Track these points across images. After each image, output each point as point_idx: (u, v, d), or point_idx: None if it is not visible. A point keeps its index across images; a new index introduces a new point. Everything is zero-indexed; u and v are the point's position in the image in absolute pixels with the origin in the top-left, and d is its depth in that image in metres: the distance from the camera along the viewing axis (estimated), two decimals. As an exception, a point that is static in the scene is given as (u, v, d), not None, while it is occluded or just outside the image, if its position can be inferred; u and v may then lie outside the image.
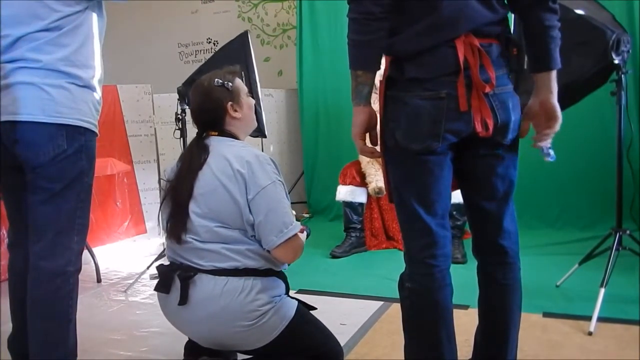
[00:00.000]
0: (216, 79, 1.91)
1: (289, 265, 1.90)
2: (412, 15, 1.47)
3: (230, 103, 1.91)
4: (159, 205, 1.90)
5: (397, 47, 1.50)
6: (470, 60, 1.46)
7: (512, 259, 1.65)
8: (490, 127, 1.48)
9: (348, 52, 1.52)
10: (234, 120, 1.92)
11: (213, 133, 1.91)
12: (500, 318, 1.66)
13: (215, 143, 1.88)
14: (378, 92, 1.59)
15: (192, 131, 3.42)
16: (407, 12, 1.47)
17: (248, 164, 1.79)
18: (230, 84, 1.92)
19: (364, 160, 3.71)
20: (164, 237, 1.95)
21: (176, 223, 1.82)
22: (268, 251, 1.81)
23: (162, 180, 1.92)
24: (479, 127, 1.47)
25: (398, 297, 1.62)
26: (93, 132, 1.91)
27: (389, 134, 1.55)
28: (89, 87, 1.89)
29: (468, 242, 2.85)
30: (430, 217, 1.54)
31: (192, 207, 1.81)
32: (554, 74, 1.56)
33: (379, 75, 1.58)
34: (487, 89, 1.47)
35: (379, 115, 1.59)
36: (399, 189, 1.58)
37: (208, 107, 1.90)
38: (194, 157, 1.85)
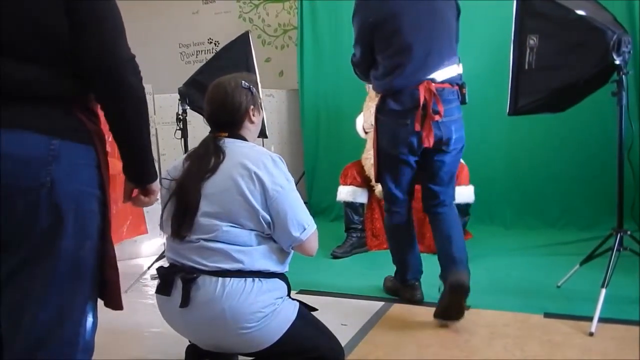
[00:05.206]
0: (243, 81, 1.92)
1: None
2: (391, 68, 2.49)
3: (252, 107, 1.91)
4: (159, 206, 1.89)
5: (388, 86, 2.52)
6: (428, 99, 2.42)
7: (442, 198, 2.61)
8: (431, 143, 2.44)
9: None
10: (250, 124, 1.93)
11: (223, 134, 1.89)
12: (444, 232, 2.57)
13: (229, 144, 1.86)
14: (374, 115, 2.64)
15: (192, 132, 3.45)
16: (389, 65, 2.50)
17: (264, 164, 1.79)
18: (254, 89, 1.93)
19: (368, 163, 3.71)
20: (164, 236, 1.93)
21: (183, 223, 1.79)
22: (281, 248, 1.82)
23: (164, 180, 1.89)
24: (425, 142, 2.46)
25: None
26: None
27: (379, 143, 2.63)
28: None
29: (469, 243, 2.86)
30: (397, 190, 2.66)
31: (202, 205, 1.78)
32: None
33: (375, 100, 2.69)
34: (437, 118, 2.42)
35: (374, 130, 2.66)
36: (383, 173, 2.67)
37: (231, 107, 1.89)
38: (208, 158, 1.82)
